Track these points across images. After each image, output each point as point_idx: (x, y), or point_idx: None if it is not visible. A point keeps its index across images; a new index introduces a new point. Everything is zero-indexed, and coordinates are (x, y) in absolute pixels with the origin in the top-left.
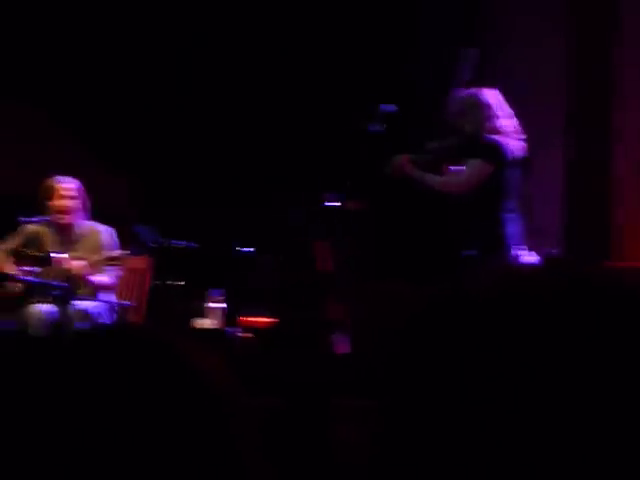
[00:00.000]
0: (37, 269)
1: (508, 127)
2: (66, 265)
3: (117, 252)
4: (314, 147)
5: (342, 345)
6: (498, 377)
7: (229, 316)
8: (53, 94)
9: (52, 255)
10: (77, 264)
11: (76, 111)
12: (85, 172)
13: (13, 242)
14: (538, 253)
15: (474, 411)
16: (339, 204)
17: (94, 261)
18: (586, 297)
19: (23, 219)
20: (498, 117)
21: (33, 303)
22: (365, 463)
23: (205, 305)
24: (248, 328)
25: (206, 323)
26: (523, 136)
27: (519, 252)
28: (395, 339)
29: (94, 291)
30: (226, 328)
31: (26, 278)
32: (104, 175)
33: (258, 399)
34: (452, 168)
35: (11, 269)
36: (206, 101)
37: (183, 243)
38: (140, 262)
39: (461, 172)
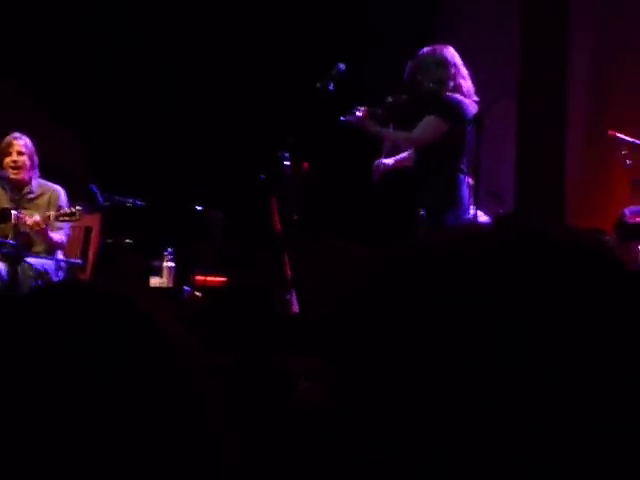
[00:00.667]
0: None
1: (467, 87)
2: (27, 221)
3: (71, 209)
4: (267, 105)
5: (296, 304)
6: (452, 336)
7: (181, 275)
8: (4, 52)
9: (12, 212)
10: (37, 220)
11: (27, 68)
12: (36, 129)
13: None
14: (490, 213)
15: (430, 371)
16: (289, 163)
17: (50, 217)
18: (538, 253)
19: None
20: (462, 76)
21: None
22: (321, 424)
23: (156, 263)
24: (200, 287)
25: (157, 281)
26: (476, 98)
27: (473, 212)
28: (351, 298)
29: (49, 249)
30: (177, 286)
31: None
32: (54, 132)
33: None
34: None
35: None
36: (162, 60)
37: (134, 201)
38: (89, 220)
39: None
